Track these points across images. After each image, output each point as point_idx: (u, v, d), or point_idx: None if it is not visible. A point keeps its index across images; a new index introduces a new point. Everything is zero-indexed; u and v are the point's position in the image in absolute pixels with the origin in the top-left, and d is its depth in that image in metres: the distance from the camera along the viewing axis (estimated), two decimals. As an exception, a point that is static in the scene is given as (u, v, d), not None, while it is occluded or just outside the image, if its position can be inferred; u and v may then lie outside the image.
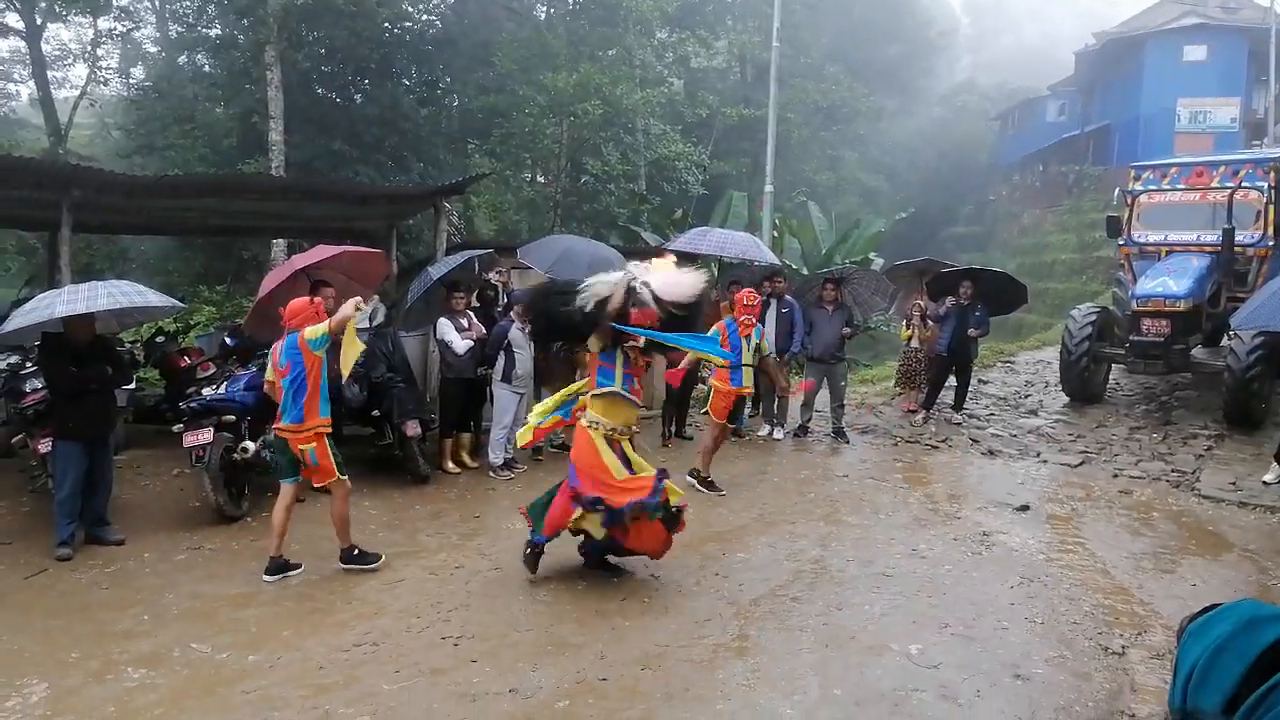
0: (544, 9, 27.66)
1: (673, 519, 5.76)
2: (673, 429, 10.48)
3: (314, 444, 5.93)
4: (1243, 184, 11.39)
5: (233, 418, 7.29)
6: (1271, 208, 11.25)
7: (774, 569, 6.34)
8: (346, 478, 6.13)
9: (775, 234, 18.52)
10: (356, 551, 6.21)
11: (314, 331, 5.87)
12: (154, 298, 6.58)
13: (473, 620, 5.33)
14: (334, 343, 6.01)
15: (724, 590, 5.86)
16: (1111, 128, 36.76)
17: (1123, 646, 5.14)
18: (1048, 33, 53.85)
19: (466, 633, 5.15)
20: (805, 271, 17.07)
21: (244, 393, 7.52)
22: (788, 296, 10.66)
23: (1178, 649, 1.65)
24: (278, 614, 5.43)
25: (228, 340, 9.68)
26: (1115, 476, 9.11)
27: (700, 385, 12.13)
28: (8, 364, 8.34)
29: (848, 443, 10.40)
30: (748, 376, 8.36)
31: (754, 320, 8.40)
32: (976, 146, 47.21)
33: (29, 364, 7.89)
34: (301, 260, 7.73)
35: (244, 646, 4.96)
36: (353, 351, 6.17)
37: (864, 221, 21.28)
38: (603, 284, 5.73)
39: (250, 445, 7.24)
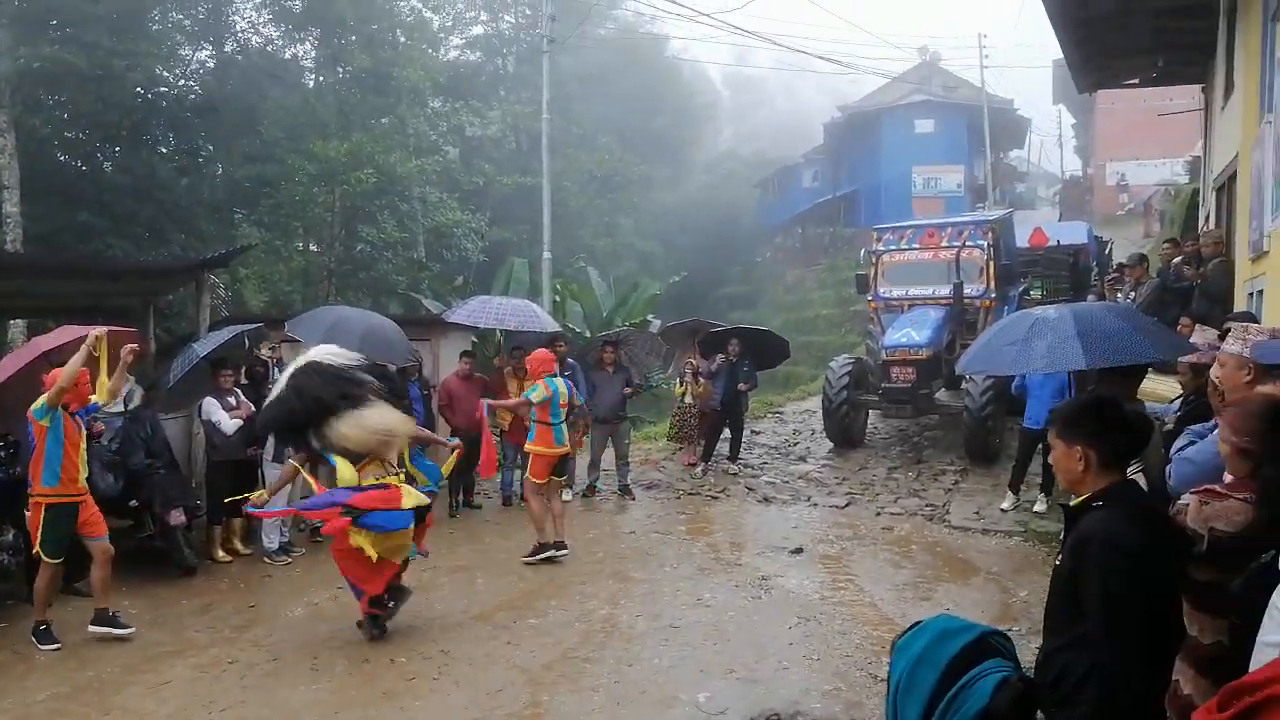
0: (312, 77, 27.18)
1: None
2: (460, 499, 10.37)
3: (31, 512, 6.03)
4: (967, 243, 12.79)
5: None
6: (991, 264, 12.70)
7: (565, 631, 6.39)
8: (53, 561, 6.10)
9: (556, 299, 18.87)
10: (43, 627, 6.14)
11: (36, 402, 5.95)
12: None
13: (249, 717, 5.04)
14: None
15: (515, 658, 5.85)
16: (858, 193, 40.24)
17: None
18: (798, 106, 58.09)
19: (243, 731, 4.87)
20: (588, 334, 17.45)
21: (-31, 492, 6.77)
22: (569, 359, 10.88)
23: (890, 665, 1.84)
24: (21, 735, 4.91)
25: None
26: (878, 515, 9.81)
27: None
28: None
29: (633, 499, 10.66)
30: (564, 433, 8.24)
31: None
32: (741, 211, 49.82)
33: None
34: (46, 342, 7.11)
35: (-20, 776, 4.45)
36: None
37: (641, 285, 22.05)
38: None
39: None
